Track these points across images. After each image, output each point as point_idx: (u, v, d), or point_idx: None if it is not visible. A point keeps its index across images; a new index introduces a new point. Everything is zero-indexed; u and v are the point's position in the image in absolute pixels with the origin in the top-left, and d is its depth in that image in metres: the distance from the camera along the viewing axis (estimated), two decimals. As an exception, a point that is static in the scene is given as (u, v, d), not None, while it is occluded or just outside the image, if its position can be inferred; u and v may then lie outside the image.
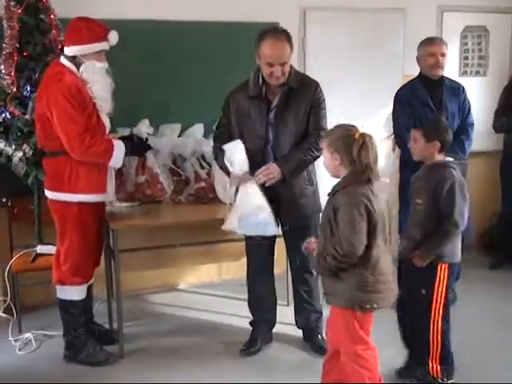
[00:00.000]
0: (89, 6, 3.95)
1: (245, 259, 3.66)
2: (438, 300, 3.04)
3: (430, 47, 3.89)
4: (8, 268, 3.79)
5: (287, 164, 3.22)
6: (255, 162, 3.24)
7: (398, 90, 4.10)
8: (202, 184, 4.04)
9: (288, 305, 4.08)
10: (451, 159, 3.09)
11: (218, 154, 3.36)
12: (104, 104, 3.29)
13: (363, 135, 2.62)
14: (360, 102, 4.84)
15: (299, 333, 3.70)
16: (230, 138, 3.30)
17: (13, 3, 3.59)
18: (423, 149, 3.06)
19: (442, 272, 3.02)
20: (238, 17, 4.36)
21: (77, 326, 3.44)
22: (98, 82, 3.25)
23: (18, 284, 3.78)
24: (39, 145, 3.39)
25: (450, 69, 5.10)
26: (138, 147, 3.57)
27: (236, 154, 3.18)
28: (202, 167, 4.15)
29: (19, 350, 3.62)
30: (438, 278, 3.02)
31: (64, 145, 3.20)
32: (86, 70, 3.23)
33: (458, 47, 5.15)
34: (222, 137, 3.37)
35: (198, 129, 4.35)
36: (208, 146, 4.18)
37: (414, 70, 4.96)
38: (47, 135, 3.26)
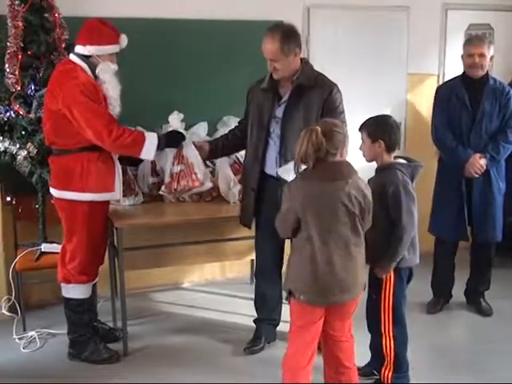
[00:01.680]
0: (93, 5, 3.95)
1: (248, 258, 3.67)
2: (387, 306, 2.98)
3: (469, 48, 3.86)
4: (12, 266, 3.80)
5: None
6: (256, 152, 3.35)
7: (439, 86, 4.10)
8: (206, 182, 4.04)
9: (292, 303, 4.08)
10: (402, 161, 3.00)
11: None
12: (115, 104, 3.32)
13: (307, 129, 2.67)
14: (364, 100, 4.83)
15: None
16: (245, 129, 3.47)
17: (17, 2, 3.58)
18: (369, 149, 2.96)
19: (388, 277, 2.96)
20: (242, 15, 4.36)
21: (81, 324, 3.45)
22: (111, 82, 3.29)
23: (23, 282, 3.78)
24: (47, 142, 3.36)
25: (454, 68, 5.10)
26: (172, 138, 3.52)
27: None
28: (206, 166, 4.14)
29: (23, 349, 3.63)
30: (384, 284, 2.97)
31: (93, 139, 3.18)
32: (102, 70, 3.27)
33: (462, 45, 5.13)
34: (237, 125, 3.65)
35: (202, 127, 4.35)
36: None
37: (418, 69, 4.99)
38: (61, 132, 3.25)
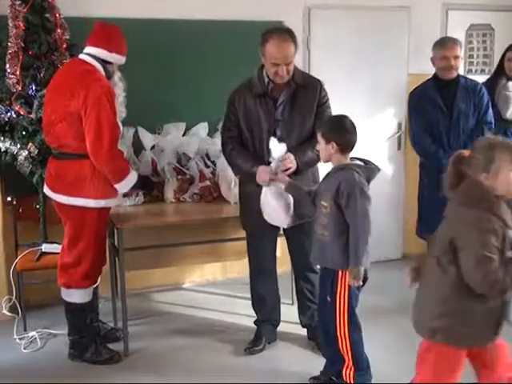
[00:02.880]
0: (95, 6, 3.96)
1: (249, 258, 3.66)
2: (342, 309, 2.93)
3: (443, 50, 3.85)
4: (13, 266, 3.80)
5: (301, 155, 3.26)
6: (262, 157, 3.31)
7: (411, 92, 4.09)
8: (207, 183, 4.05)
9: (293, 304, 4.07)
10: (359, 162, 2.95)
11: (232, 154, 3.40)
12: (122, 109, 3.36)
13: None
14: (365, 100, 4.84)
15: (304, 332, 3.70)
16: (241, 137, 3.37)
17: (18, 2, 3.59)
18: (324, 150, 2.93)
19: (343, 278, 2.90)
20: (242, 15, 4.36)
21: (83, 326, 3.44)
22: (122, 89, 3.37)
23: (23, 282, 3.78)
24: (54, 144, 3.29)
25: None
26: (141, 184, 3.50)
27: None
28: (207, 166, 4.16)
29: (24, 349, 3.62)
30: (339, 285, 2.92)
31: (89, 145, 3.13)
32: (120, 79, 3.35)
33: (463, 46, 5.13)
34: (232, 137, 3.40)
35: (202, 127, 4.35)
36: (213, 145, 4.20)
37: (419, 69, 4.97)
38: (79, 134, 3.17)
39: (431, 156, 3.88)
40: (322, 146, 2.94)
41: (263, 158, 3.30)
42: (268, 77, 3.29)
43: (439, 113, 3.86)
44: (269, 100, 3.31)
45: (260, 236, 3.48)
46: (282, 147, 3.16)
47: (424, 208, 4.08)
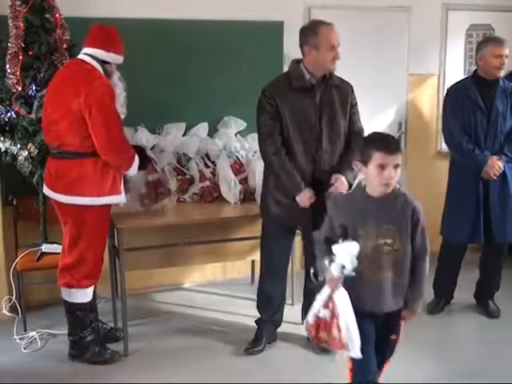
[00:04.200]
0: (95, 6, 3.96)
1: (249, 258, 3.65)
2: (399, 339, 2.75)
3: (499, 49, 3.79)
4: (13, 267, 3.80)
5: (350, 173, 3.26)
6: (310, 152, 3.28)
7: (451, 87, 4.03)
8: (207, 183, 4.05)
9: (293, 304, 4.08)
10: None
11: (276, 161, 3.28)
12: (122, 110, 3.37)
13: None
14: (365, 100, 4.80)
15: (304, 332, 3.69)
16: (282, 133, 3.29)
17: (18, 2, 3.58)
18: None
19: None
20: (243, 15, 4.35)
21: (83, 326, 3.43)
22: (121, 89, 3.39)
23: (23, 283, 3.78)
24: (55, 143, 3.28)
25: (455, 68, 5.10)
26: (141, 159, 3.49)
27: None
28: (207, 166, 4.16)
29: (24, 349, 3.62)
30: (401, 320, 2.71)
31: (102, 142, 3.16)
32: (119, 78, 3.38)
33: (463, 46, 5.13)
34: (273, 134, 3.29)
35: (202, 128, 4.35)
36: (213, 145, 4.20)
37: (419, 69, 4.98)
38: (80, 133, 3.18)
39: (468, 155, 3.83)
40: (399, 170, 2.50)
41: (311, 151, 3.27)
42: (309, 72, 3.28)
43: (477, 112, 3.83)
44: (309, 94, 3.29)
45: (278, 234, 3.45)
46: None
47: (451, 206, 4.02)
